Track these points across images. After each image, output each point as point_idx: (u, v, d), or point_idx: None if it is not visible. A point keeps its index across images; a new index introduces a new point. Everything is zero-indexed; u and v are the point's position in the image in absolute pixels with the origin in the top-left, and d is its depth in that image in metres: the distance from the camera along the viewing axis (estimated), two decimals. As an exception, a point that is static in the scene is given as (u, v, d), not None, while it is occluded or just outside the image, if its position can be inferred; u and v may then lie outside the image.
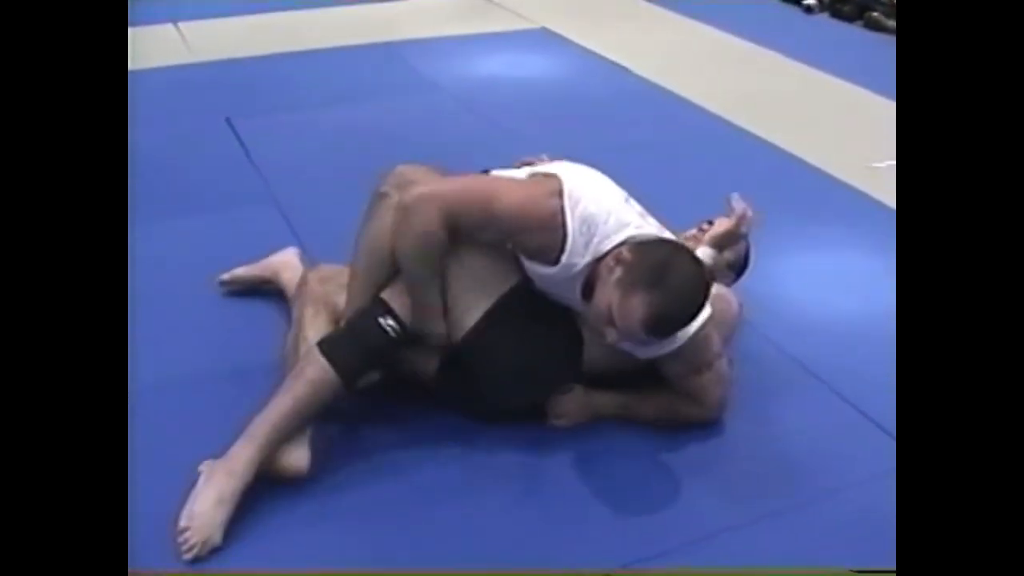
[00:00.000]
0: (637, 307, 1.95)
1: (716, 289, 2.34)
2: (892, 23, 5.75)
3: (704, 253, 2.35)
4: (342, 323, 2.22)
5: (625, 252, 2.01)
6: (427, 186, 2.12)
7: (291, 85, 4.67)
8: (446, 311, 2.15)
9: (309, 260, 2.75)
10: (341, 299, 2.27)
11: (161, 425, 2.22)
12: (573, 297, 2.15)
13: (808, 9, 6.19)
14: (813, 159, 3.82)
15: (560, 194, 2.08)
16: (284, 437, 2.05)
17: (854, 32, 5.89)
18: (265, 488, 2.03)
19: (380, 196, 2.21)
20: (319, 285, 2.33)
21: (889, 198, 3.46)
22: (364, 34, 5.44)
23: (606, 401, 2.27)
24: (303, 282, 2.39)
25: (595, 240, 2.06)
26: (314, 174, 3.65)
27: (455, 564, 1.91)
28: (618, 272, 1.99)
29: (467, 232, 2.12)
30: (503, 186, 2.16)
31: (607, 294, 2.00)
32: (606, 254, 2.05)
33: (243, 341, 2.57)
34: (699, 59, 5.27)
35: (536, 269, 2.14)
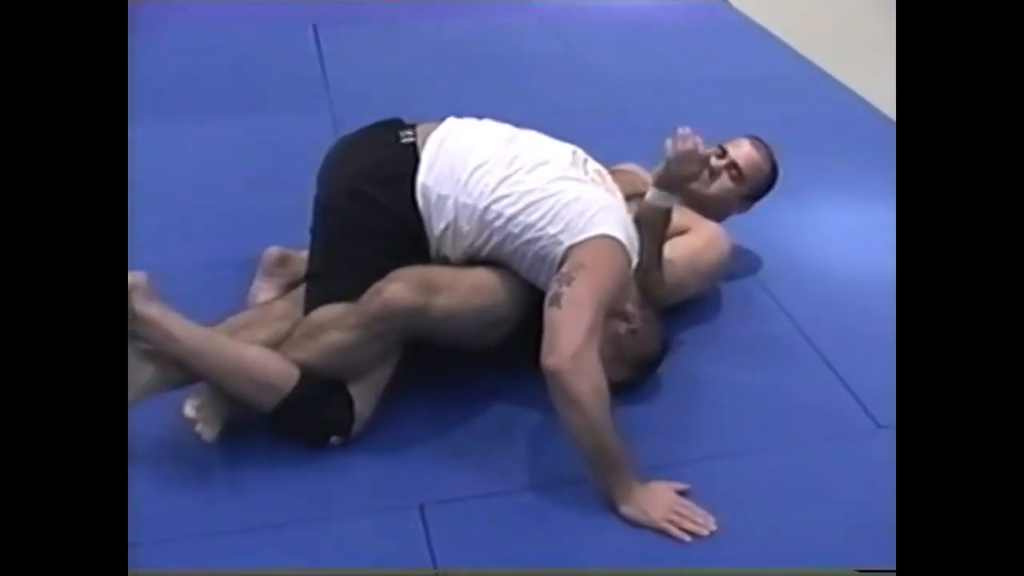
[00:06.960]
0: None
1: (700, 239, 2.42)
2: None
3: (654, 196, 2.24)
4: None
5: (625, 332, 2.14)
6: (567, 348, 1.88)
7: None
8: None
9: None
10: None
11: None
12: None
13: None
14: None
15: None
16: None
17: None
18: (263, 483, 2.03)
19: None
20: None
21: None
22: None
23: None
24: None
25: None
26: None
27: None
28: (624, 331, 2.13)
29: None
30: (603, 273, 2.02)
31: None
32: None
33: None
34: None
35: None
